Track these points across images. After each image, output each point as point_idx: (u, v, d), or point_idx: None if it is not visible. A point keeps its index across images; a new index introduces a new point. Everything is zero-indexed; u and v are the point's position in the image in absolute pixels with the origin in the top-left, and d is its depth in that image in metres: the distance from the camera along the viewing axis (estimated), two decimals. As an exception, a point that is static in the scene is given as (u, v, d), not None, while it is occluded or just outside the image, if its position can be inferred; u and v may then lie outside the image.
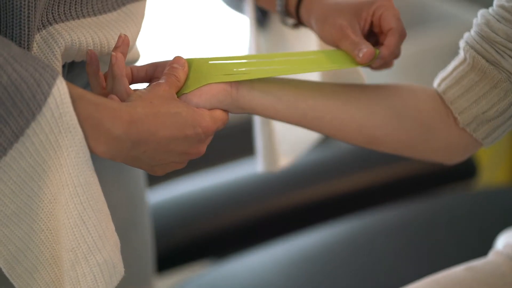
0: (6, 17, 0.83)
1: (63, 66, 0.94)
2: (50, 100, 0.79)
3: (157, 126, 0.85)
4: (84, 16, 0.92)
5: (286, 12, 1.06)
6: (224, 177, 1.71)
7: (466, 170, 1.75)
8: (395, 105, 0.96)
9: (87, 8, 0.93)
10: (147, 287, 1.25)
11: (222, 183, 1.67)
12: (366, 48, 0.95)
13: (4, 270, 0.86)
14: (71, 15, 0.91)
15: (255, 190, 1.61)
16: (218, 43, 2.56)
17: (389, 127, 0.96)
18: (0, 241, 0.83)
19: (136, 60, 1.09)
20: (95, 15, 0.93)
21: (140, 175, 1.20)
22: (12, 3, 0.82)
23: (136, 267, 1.21)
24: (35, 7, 0.84)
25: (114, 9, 0.96)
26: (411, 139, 0.97)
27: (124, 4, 0.97)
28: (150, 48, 2.38)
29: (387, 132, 0.96)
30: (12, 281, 0.86)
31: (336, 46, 0.99)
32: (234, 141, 2.33)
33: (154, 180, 1.86)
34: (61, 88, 0.80)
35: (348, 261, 1.37)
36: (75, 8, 0.92)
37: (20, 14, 0.83)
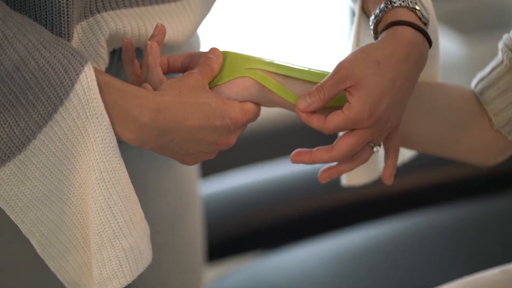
0: (46, 4, 0.84)
1: (113, 52, 0.96)
2: (77, 86, 0.81)
3: (185, 115, 0.85)
4: (138, 5, 0.93)
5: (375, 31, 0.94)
6: (277, 171, 1.71)
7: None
8: (424, 103, 0.94)
9: None
10: (196, 274, 1.26)
11: (275, 177, 1.67)
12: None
13: (38, 251, 0.88)
14: (123, 4, 0.92)
15: (306, 185, 1.60)
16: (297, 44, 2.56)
17: (419, 125, 0.94)
18: (32, 222, 0.86)
19: None
20: (151, 4, 0.94)
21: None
22: None
23: (185, 253, 1.21)
24: None
25: (175, 1, 0.97)
26: (442, 138, 0.94)
27: None
28: (225, 44, 2.41)
29: (417, 130, 0.94)
30: (46, 262, 0.89)
31: None
32: (292, 136, 2.33)
33: (208, 171, 1.87)
34: (88, 75, 0.81)
35: (393, 261, 1.35)
36: None
37: (59, 2, 0.84)
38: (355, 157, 0.91)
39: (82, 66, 0.81)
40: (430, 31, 0.91)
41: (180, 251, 1.20)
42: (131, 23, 0.92)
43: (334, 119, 0.86)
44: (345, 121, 0.86)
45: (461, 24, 2.47)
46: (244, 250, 1.62)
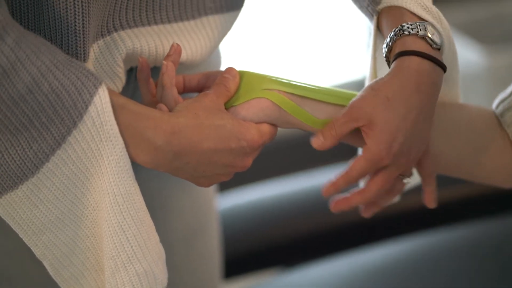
0: (61, 23, 0.83)
1: (130, 70, 0.95)
2: (91, 108, 0.79)
3: (200, 138, 0.84)
4: (156, 23, 0.92)
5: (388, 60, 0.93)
6: (296, 186, 1.69)
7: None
8: (444, 124, 0.93)
9: (160, 15, 0.93)
10: (213, 293, 1.25)
11: (294, 192, 1.65)
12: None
13: (51, 274, 0.87)
14: (141, 22, 0.91)
15: (325, 201, 1.59)
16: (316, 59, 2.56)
17: (439, 146, 0.92)
18: (45, 245, 0.85)
19: None
20: (169, 22, 0.93)
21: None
22: (66, 12, 0.83)
23: (202, 272, 1.20)
24: (88, 15, 0.84)
25: (193, 18, 0.95)
26: (461, 159, 0.93)
27: (206, 14, 0.97)
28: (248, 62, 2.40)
29: (437, 151, 0.92)
30: (59, 285, 0.88)
31: None
32: (307, 151, 2.31)
33: (225, 185, 1.85)
34: (102, 97, 0.80)
35: (411, 279, 1.33)
36: (146, 14, 0.92)
37: (75, 21, 0.83)
38: (389, 192, 0.94)
39: (96, 88, 0.80)
40: (447, 55, 0.90)
41: (197, 270, 1.18)
42: (149, 42, 0.91)
43: (356, 165, 0.88)
44: (366, 164, 0.88)
45: (481, 34, 2.45)
46: (262, 267, 1.60)
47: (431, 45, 0.87)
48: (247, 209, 1.62)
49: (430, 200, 0.96)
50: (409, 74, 0.86)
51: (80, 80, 0.79)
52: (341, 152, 2.18)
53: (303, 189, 1.66)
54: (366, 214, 0.98)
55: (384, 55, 0.90)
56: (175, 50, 0.89)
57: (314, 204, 1.60)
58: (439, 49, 0.88)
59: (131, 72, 0.95)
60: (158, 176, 1.08)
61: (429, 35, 0.87)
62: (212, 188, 1.21)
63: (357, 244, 1.56)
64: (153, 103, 0.89)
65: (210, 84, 0.92)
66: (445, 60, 0.90)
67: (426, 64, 0.86)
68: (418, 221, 1.59)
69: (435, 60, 0.86)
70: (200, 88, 0.94)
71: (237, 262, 1.56)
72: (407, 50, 0.86)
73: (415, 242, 1.47)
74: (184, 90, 0.93)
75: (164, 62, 0.88)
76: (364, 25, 2.56)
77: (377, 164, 0.88)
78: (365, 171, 0.88)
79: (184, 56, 0.93)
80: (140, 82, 0.90)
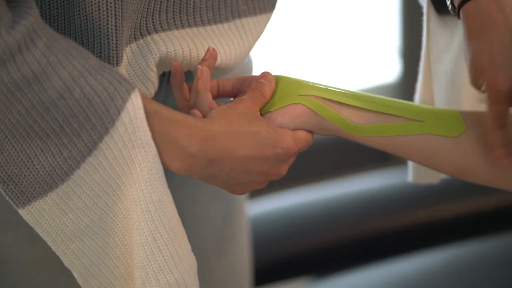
0: (94, 26, 0.82)
1: (163, 74, 0.93)
2: (124, 114, 0.78)
3: (234, 145, 0.82)
4: (190, 26, 0.91)
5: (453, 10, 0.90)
6: (331, 192, 1.67)
7: None
8: (484, 134, 0.90)
9: (194, 18, 0.91)
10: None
11: (327, 198, 1.63)
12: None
13: (79, 283, 0.86)
14: (174, 25, 0.89)
15: (358, 209, 1.56)
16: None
17: (477, 157, 0.89)
18: (74, 254, 0.83)
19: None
20: (203, 25, 0.92)
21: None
22: (99, 14, 0.81)
23: (233, 282, 1.19)
24: (122, 17, 0.82)
25: (227, 20, 0.94)
26: (504, 170, 0.89)
27: (239, 17, 0.95)
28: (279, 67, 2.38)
29: (475, 163, 0.89)
30: None
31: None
32: (339, 157, 2.29)
33: (257, 191, 1.84)
34: (135, 103, 0.78)
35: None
36: (180, 17, 0.90)
37: (107, 24, 0.82)
38: None
39: (129, 93, 0.78)
40: None
41: (228, 280, 1.17)
42: (182, 45, 0.89)
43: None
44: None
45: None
46: (292, 276, 1.58)
47: None
48: (277, 216, 1.60)
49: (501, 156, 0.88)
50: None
51: (113, 85, 0.78)
52: (372, 158, 2.16)
53: (337, 196, 1.63)
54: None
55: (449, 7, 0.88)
56: (211, 54, 0.88)
57: (346, 212, 1.58)
58: None
59: (163, 77, 0.94)
60: (189, 183, 1.06)
61: None
62: (243, 197, 1.20)
63: (391, 253, 1.53)
64: (187, 108, 0.88)
65: (245, 89, 0.90)
66: None
67: None
68: (454, 231, 1.56)
69: None
70: (235, 93, 0.92)
71: (268, 270, 1.54)
72: None
73: (450, 252, 1.44)
74: (218, 95, 0.92)
75: (199, 66, 0.87)
76: (392, 28, 2.54)
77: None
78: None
79: (218, 60, 0.91)
80: (174, 87, 0.89)
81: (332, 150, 2.32)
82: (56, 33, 0.78)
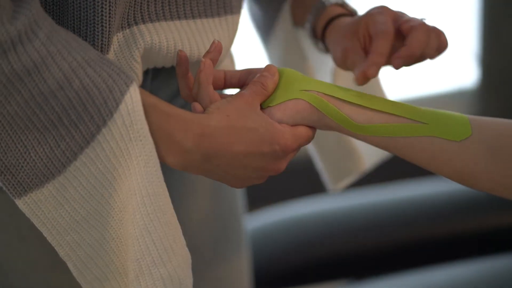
0: (87, 15, 0.82)
1: (146, 72, 0.93)
2: (122, 107, 0.78)
3: (231, 140, 0.82)
4: (179, 18, 0.90)
5: (314, 35, 1.05)
6: (368, 198, 1.65)
7: None
8: (488, 140, 0.89)
9: (184, 9, 0.90)
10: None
11: (365, 204, 1.62)
12: (357, 71, 0.92)
13: (74, 275, 0.85)
14: (163, 15, 0.89)
15: (392, 215, 1.55)
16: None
17: (482, 164, 0.88)
18: (69, 246, 0.83)
19: None
20: (193, 17, 0.91)
21: (236, 190, 1.19)
22: (94, 1, 0.81)
23: (230, 281, 1.19)
24: (115, 4, 0.82)
25: (219, 15, 0.93)
26: (507, 179, 0.89)
27: (232, 13, 0.95)
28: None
29: (478, 169, 0.88)
30: (83, 286, 0.86)
31: (343, 69, 0.99)
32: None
33: (297, 195, 1.82)
34: (134, 96, 0.78)
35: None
36: (169, 8, 0.89)
37: (102, 11, 0.82)
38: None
39: (128, 86, 0.78)
40: None
41: (224, 278, 1.17)
42: (168, 38, 0.88)
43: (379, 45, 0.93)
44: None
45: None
46: (327, 279, 1.57)
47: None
48: (314, 219, 1.59)
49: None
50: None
51: (112, 77, 0.78)
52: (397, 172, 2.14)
53: (374, 202, 1.61)
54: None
55: (308, 32, 1.04)
56: (216, 47, 0.87)
57: (382, 219, 1.56)
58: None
59: (147, 74, 0.93)
60: (187, 181, 1.06)
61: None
62: (240, 199, 1.20)
63: (426, 262, 1.52)
64: (190, 98, 0.88)
65: (250, 81, 0.90)
66: None
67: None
68: (492, 243, 1.52)
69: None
70: (241, 85, 0.91)
71: (302, 273, 1.53)
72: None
73: (488, 264, 1.41)
74: (225, 86, 0.91)
75: (203, 59, 0.86)
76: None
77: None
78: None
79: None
80: (179, 76, 0.88)
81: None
82: (56, 24, 0.78)
